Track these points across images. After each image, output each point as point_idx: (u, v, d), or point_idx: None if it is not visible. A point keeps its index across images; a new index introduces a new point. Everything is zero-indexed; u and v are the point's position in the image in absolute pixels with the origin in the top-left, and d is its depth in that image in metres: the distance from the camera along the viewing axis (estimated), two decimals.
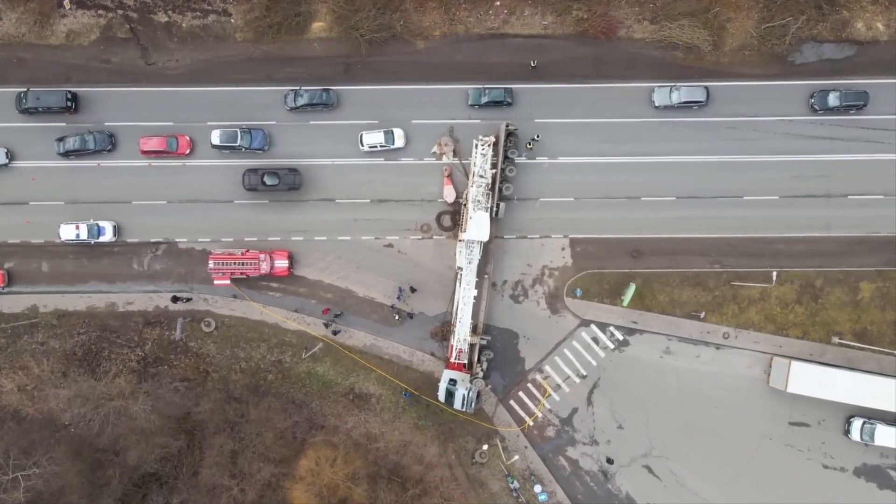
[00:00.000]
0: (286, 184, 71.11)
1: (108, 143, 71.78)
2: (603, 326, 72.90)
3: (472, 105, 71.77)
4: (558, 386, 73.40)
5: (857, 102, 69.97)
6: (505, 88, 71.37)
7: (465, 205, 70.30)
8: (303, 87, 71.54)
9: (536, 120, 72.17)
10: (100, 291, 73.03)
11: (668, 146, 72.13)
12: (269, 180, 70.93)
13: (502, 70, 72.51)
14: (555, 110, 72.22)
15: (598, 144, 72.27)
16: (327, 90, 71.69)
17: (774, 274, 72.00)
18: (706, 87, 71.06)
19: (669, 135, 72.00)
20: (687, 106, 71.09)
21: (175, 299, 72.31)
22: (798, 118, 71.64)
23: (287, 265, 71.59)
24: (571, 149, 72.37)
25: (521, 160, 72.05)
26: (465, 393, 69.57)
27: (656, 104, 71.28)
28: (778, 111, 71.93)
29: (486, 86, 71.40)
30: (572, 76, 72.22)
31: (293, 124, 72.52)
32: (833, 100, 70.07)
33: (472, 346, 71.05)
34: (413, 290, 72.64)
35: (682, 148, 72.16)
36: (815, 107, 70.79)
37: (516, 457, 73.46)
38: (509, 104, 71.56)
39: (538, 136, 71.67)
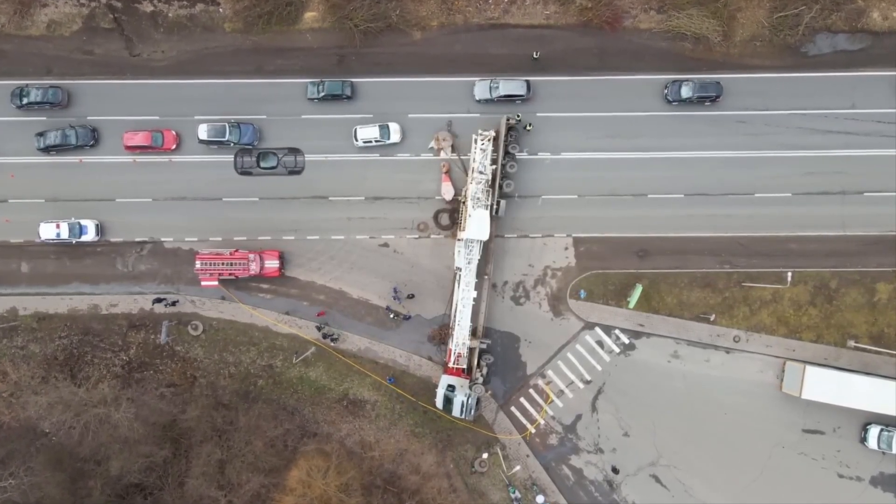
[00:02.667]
0: (286, 166, 67.52)
1: (91, 138, 70.92)
2: (608, 329, 71.76)
3: (310, 99, 70.18)
4: (561, 391, 72.22)
5: (710, 94, 69.30)
6: (343, 81, 69.94)
7: (464, 202, 69.26)
8: (29, 84, 69.48)
9: (539, 114, 71.10)
10: (82, 293, 71.98)
11: (676, 141, 71.10)
12: (265, 162, 67.38)
13: (503, 62, 71.48)
14: (558, 104, 71.06)
15: (603, 139, 71.26)
16: (56, 87, 69.44)
17: (790, 274, 70.84)
18: (527, 81, 69.80)
19: (677, 129, 70.97)
20: (509, 99, 69.84)
21: (158, 300, 70.81)
22: (812, 112, 70.44)
23: (278, 265, 70.32)
24: (575, 144, 71.32)
25: (523, 156, 71.14)
26: (465, 399, 68.57)
27: (477, 98, 70.23)
28: (791, 105, 70.62)
29: (323, 79, 69.96)
30: (576, 68, 71.14)
31: (285, 119, 71.36)
32: (686, 91, 69.41)
33: (471, 349, 69.97)
34: (410, 296, 71.24)
35: (691, 143, 71.10)
36: (669, 98, 70.10)
37: (518, 466, 72.23)
38: (349, 98, 70.34)
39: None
